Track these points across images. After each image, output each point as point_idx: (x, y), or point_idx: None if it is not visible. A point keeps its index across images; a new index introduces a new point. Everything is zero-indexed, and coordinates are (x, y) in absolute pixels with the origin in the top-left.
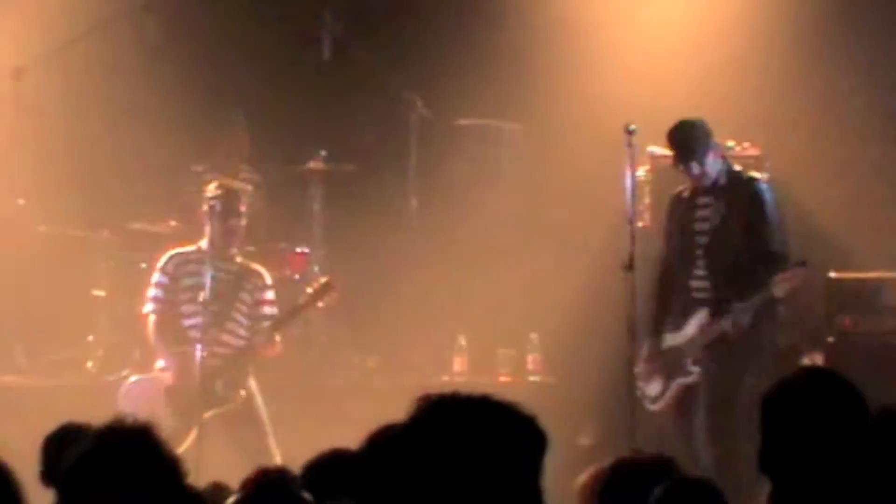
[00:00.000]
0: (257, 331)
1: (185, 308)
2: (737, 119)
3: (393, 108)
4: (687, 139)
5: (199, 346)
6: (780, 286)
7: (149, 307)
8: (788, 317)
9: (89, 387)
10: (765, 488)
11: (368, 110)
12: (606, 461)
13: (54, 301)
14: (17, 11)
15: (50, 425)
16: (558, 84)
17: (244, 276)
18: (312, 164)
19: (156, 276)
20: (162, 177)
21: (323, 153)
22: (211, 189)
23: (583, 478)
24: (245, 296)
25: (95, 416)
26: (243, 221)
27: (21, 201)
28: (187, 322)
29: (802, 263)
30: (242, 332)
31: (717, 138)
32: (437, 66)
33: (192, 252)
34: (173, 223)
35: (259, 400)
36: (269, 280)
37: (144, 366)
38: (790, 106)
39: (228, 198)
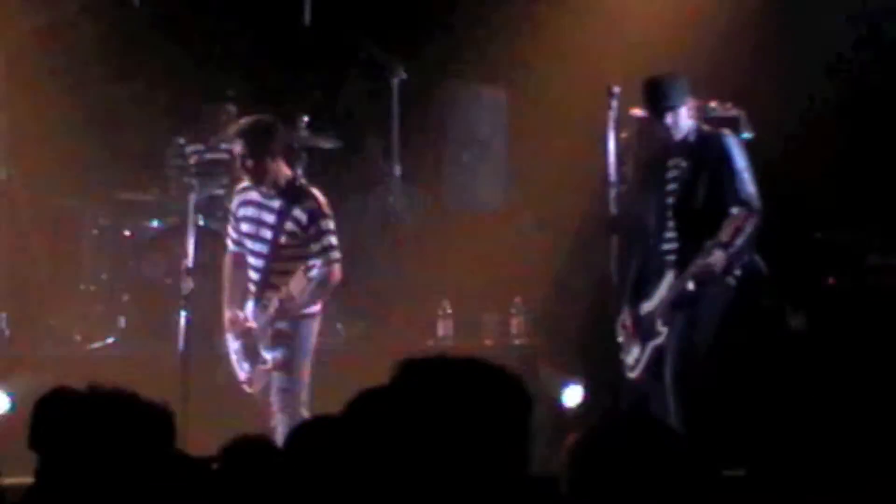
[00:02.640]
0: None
1: (247, 244)
2: (721, 79)
3: (374, 73)
4: (666, 89)
5: (250, 303)
6: (725, 230)
7: (227, 247)
8: (771, 276)
9: (74, 355)
10: None
11: (350, 75)
12: (593, 423)
13: (39, 269)
14: None
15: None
16: (540, 47)
17: (289, 208)
18: (294, 131)
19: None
20: (145, 147)
21: (305, 119)
22: (233, 129)
23: (570, 440)
24: (287, 232)
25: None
26: (268, 160)
27: (6, 171)
28: (251, 262)
29: (749, 206)
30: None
31: (699, 100)
32: (419, 31)
33: (248, 185)
34: (156, 192)
35: (288, 370)
36: (315, 207)
37: (130, 333)
38: (775, 65)
39: (248, 137)
